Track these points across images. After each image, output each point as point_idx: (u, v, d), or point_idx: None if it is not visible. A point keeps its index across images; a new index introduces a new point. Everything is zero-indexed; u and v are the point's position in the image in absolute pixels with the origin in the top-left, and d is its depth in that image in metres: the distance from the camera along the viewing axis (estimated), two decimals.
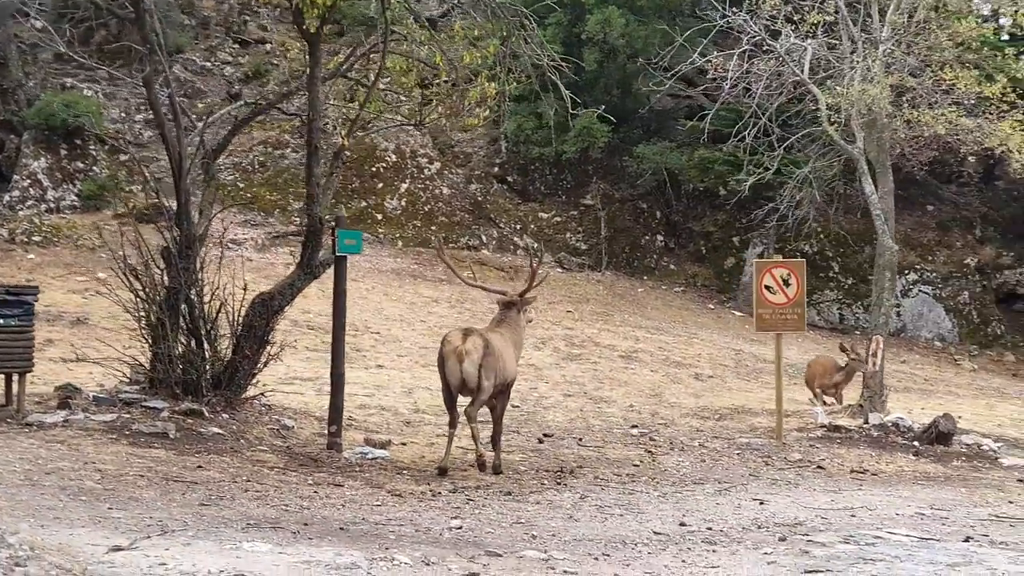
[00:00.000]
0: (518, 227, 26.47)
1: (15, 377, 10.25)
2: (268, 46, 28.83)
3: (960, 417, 14.15)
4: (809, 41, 16.38)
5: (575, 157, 26.58)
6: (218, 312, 11.20)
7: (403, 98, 14.18)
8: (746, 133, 17.25)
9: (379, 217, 25.27)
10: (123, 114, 25.40)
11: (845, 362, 15.49)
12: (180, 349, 10.97)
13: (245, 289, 11.28)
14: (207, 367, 11.05)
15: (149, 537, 6.42)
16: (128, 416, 10.32)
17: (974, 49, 16.73)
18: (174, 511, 7.44)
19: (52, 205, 22.99)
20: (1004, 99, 15.57)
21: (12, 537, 5.32)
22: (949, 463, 12.45)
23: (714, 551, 7.49)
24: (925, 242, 26.84)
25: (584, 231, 26.79)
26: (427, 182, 26.42)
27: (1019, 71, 17.08)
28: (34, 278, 17.71)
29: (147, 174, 16.61)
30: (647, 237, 27.15)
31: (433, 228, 25.43)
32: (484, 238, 25.86)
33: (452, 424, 10.29)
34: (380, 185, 25.84)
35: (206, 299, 11.17)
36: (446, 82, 12.38)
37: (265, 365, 11.49)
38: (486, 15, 11.80)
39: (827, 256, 26.13)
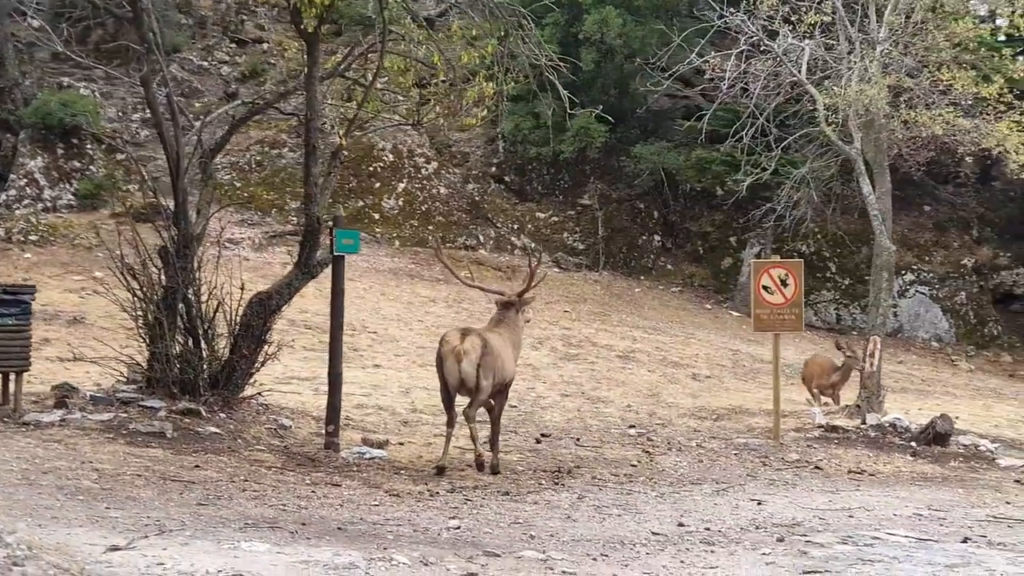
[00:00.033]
0: (515, 227, 26.47)
1: (12, 376, 10.25)
2: (265, 46, 28.83)
3: (957, 418, 14.16)
4: (807, 41, 16.37)
5: (572, 157, 26.58)
6: (215, 311, 11.18)
7: (400, 98, 14.16)
8: (744, 133, 17.24)
9: (376, 217, 25.26)
10: (120, 113, 25.38)
11: (842, 361, 15.51)
12: (177, 348, 10.95)
13: (243, 289, 11.26)
14: (204, 367, 11.04)
15: (147, 537, 6.41)
16: (125, 415, 10.30)
17: (971, 50, 16.74)
18: (171, 511, 7.43)
19: (49, 204, 22.97)
20: (1001, 100, 15.58)
21: (10, 536, 5.30)
22: (946, 464, 12.46)
23: (712, 552, 7.49)
24: (922, 242, 26.86)
25: (581, 231, 26.79)
26: (424, 182, 26.42)
27: (1016, 72, 17.08)
28: (30, 277, 17.69)
29: (144, 173, 16.59)
30: (644, 237, 27.16)
31: (430, 228, 25.43)
32: (481, 238, 25.86)
33: (450, 423, 10.28)
34: (377, 185, 25.83)
35: (203, 298, 11.15)
36: (444, 82, 12.36)
37: (262, 365, 11.47)
38: (484, 15, 11.79)
39: (824, 256, 26.15)
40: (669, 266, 26.88)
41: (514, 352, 10.86)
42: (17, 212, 22.39)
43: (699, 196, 27.09)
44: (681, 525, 8.48)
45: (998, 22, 20.09)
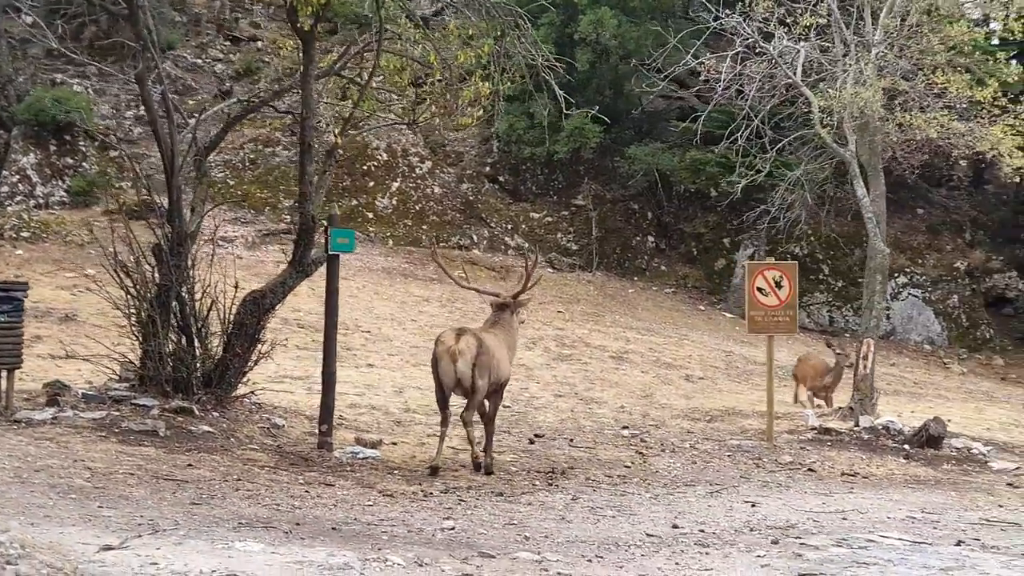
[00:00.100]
0: (509, 227, 26.45)
1: (4, 374, 10.17)
2: (259, 43, 28.75)
3: (949, 420, 14.18)
4: (802, 44, 16.39)
5: (567, 157, 26.57)
6: (209, 310, 11.15)
7: (395, 97, 14.14)
8: (738, 135, 17.27)
9: (370, 216, 25.22)
10: (113, 110, 25.30)
11: (834, 362, 15.57)
12: (171, 346, 10.91)
13: (236, 287, 11.23)
14: (198, 365, 11.00)
15: (140, 536, 6.38)
16: (118, 414, 10.26)
17: (966, 53, 16.79)
18: (165, 510, 7.40)
19: (41, 201, 22.89)
20: (995, 103, 15.61)
21: (3, 535, 5.28)
22: (939, 466, 12.48)
23: (707, 553, 7.48)
24: (915, 245, 26.90)
25: (575, 231, 26.78)
26: (418, 181, 26.38)
27: (1010, 75, 17.12)
28: (22, 274, 17.59)
29: (138, 171, 16.54)
30: (638, 238, 27.16)
31: (424, 227, 25.41)
32: (475, 238, 25.83)
33: (444, 423, 10.27)
34: (371, 184, 25.79)
35: (197, 297, 11.12)
36: (440, 81, 12.34)
37: (256, 363, 11.44)
38: (480, 14, 11.77)
39: (817, 258, 26.17)
40: (663, 267, 26.88)
41: (510, 353, 10.85)
42: (9, 209, 22.30)
43: (693, 197, 27.10)
44: (675, 527, 8.47)
45: (992, 26, 20.12)
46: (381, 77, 12.79)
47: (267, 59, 27.74)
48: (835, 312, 25.96)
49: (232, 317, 11.14)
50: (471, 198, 26.75)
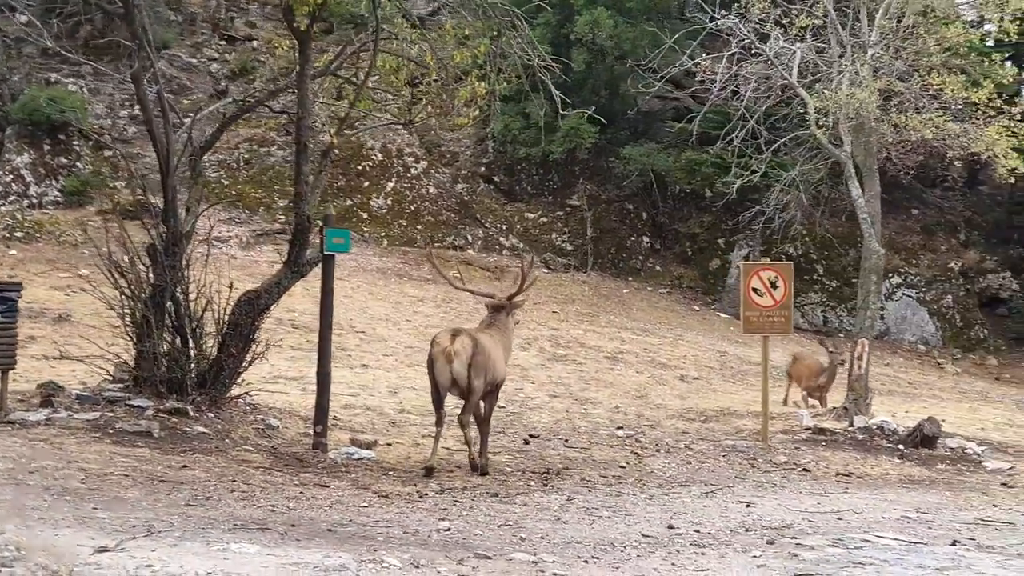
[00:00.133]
0: (504, 227, 26.44)
1: None
2: (255, 43, 28.71)
3: (943, 420, 14.20)
4: (798, 45, 16.40)
5: (562, 158, 26.58)
6: (204, 310, 11.13)
7: (390, 97, 14.12)
8: (734, 136, 17.25)
9: (365, 216, 25.21)
10: (107, 109, 25.26)
11: (827, 361, 15.61)
12: (165, 347, 10.89)
13: (231, 287, 11.21)
14: (192, 365, 10.98)
15: (135, 538, 6.36)
16: (112, 414, 10.23)
17: (961, 54, 16.80)
18: (160, 511, 7.37)
19: (35, 201, 22.85)
20: (991, 104, 15.62)
21: None
22: (933, 466, 12.49)
23: (703, 554, 7.48)
24: (909, 246, 26.95)
25: (570, 232, 26.78)
26: (413, 181, 26.37)
27: (1005, 77, 17.15)
28: (16, 274, 17.55)
29: (133, 170, 16.51)
30: (633, 238, 27.16)
31: (419, 227, 25.40)
32: (470, 238, 25.82)
33: (439, 423, 10.25)
34: (366, 184, 25.78)
35: (192, 297, 11.09)
36: (436, 81, 12.33)
37: (250, 364, 11.42)
38: (476, 14, 11.76)
39: (812, 259, 26.21)
40: (657, 267, 26.89)
41: (505, 354, 10.84)
42: (3, 208, 22.26)
43: (688, 198, 27.12)
44: (671, 527, 8.47)
45: (987, 27, 20.16)
46: (377, 77, 12.78)
47: (262, 59, 27.72)
48: (829, 312, 26.00)
49: (227, 317, 11.11)
50: (466, 198, 26.74)
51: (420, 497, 9.13)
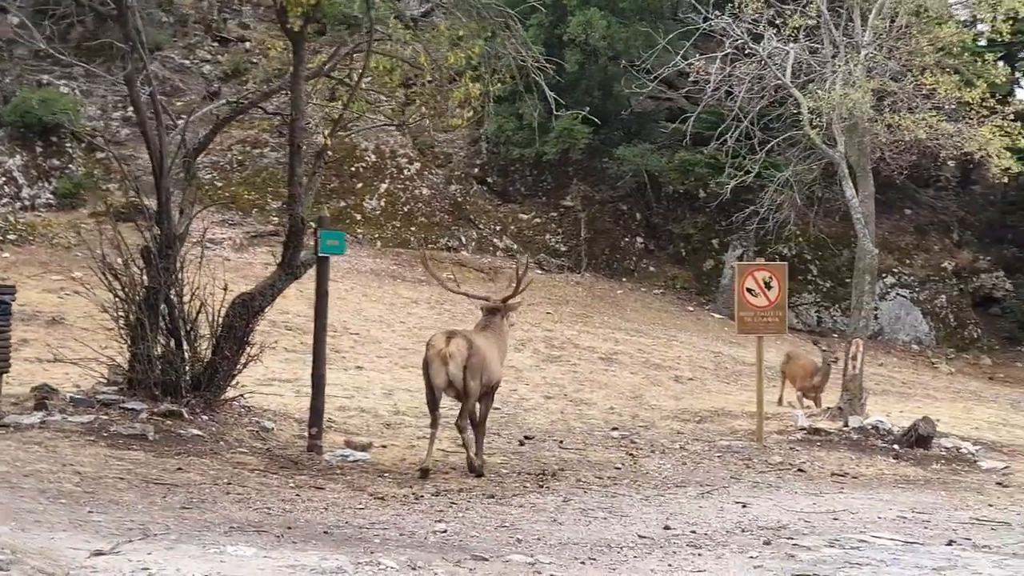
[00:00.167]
0: (498, 228, 26.42)
1: None
2: (248, 44, 28.66)
3: (938, 420, 14.21)
4: (791, 45, 16.40)
5: (555, 158, 26.56)
6: (198, 312, 11.10)
7: (384, 98, 14.11)
8: (727, 136, 17.25)
9: (358, 217, 25.16)
10: (100, 111, 25.20)
11: (821, 360, 15.63)
12: (159, 350, 10.86)
13: (225, 289, 11.18)
14: (186, 368, 10.95)
15: (131, 541, 6.34)
16: (106, 417, 10.19)
17: (954, 54, 16.82)
18: (155, 514, 7.35)
19: (27, 203, 22.78)
20: (984, 104, 15.65)
21: None
22: (928, 466, 12.50)
23: (700, 555, 7.47)
24: (903, 246, 26.98)
25: (564, 232, 26.77)
26: (407, 182, 26.34)
27: (998, 76, 17.17)
28: (8, 277, 17.49)
29: (126, 172, 16.47)
30: (627, 239, 27.16)
31: (412, 229, 25.37)
32: (464, 239, 25.80)
33: (434, 425, 10.24)
34: (359, 185, 25.74)
35: (186, 299, 11.06)
36: (430, 82, 12.32)
37: (245, 366, 11.39)
38: (470, 15, 11.75)
39: (805, 259, 26.22)
40: (651, 268, 26.89)
41: (500, 356, 10.83)
42: None
43: (682, 198, 27.12)
44: (667, 528, 8.46)
45: (980, 27, 20.19)
46: (371, 78, 12.76)
47: (255, 60, 27.67)
48: (823, 312, 26.01)
49: (221, 320, 11.09)
50: (459, 199, 26.72)
51: (416, 499, 9.12)
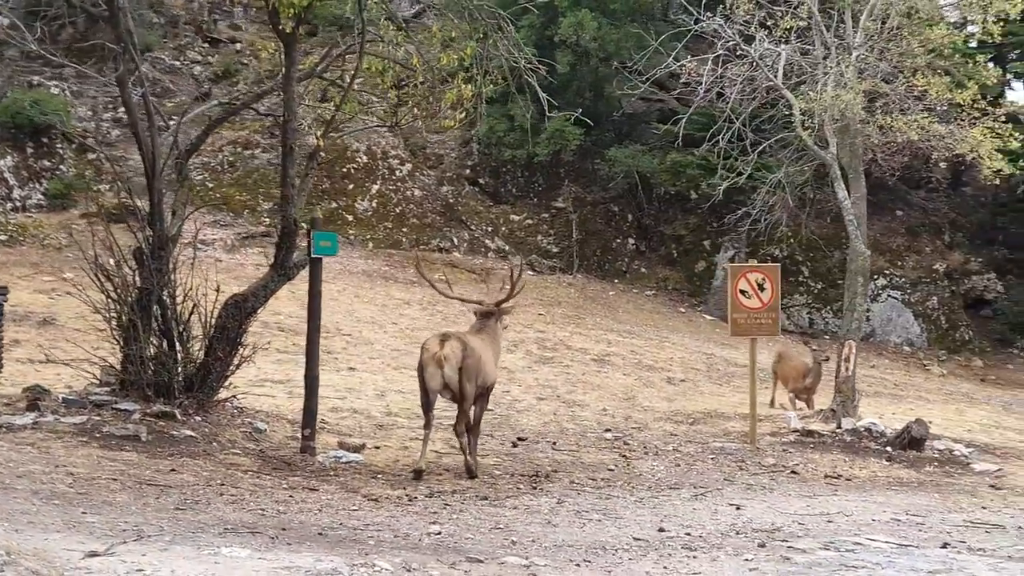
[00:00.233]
0: (489, 229, 26.41)
1: None
2: (238, 45, 28.62)
3: (930, 422, 14.22)
4: (783, 46, 16.41)
5: (547, 160, 26.58)
6: (191, 313, 11.06)
7: (375, 99, 14.08)
8: (719, 137, 17.25)
9: (350, 218, 25.14)
10: (91, 112, 25.14)
11: (812, 360, 15.66)
12: (152, 351, 10.82)
13: (218, 290, 11.15)
14: (179, 369, 10.91)
15: (125, 542, 6.31)
16: (99, 418, 10.14)
17: (945, 56, 16.84)
18: (149, 515, 7.33)
19: (18, 204, 22.70)
20: (975, 106, 15.68)
21: None
22: (922, 468, 12.50)
23: (695, 557, 7.46)
24: (894, 247, 27.04)
25: (555, 234, 26.77)
26: (398, 184, 26.32)
27: (989, 78, 17.20)
28: (0, 278, 17.45)
29: (117, 173, 16.42)
30: (618, 240, 27.17)
31: (404, 230, 25.35)
32: (455, 240, 25.79)
33: (427, 426, 10.23)
34: (351, 186, 25.71)
35: (178, 300, 11.02)
36: (422, 83, 12.30)
37: (237, 367, 11.35)
38: (462, 16, 11.73)
39: (797, 260, 26.26)
40: (643, 269, 26.90)
41: (494, 357, 10.82)
42: None
43: (673, 199, 27.15)
44: (662, 530, 8.45)
45: (971, 28, 20.24)
46: (363, 79, 12.74)
47: (246, 61, 27.63)
48: (815, 314, 26.06)
49: (213, 321, 11.05)
50: (451, 200, 26.71)
51: (410, 500, 9.10)
